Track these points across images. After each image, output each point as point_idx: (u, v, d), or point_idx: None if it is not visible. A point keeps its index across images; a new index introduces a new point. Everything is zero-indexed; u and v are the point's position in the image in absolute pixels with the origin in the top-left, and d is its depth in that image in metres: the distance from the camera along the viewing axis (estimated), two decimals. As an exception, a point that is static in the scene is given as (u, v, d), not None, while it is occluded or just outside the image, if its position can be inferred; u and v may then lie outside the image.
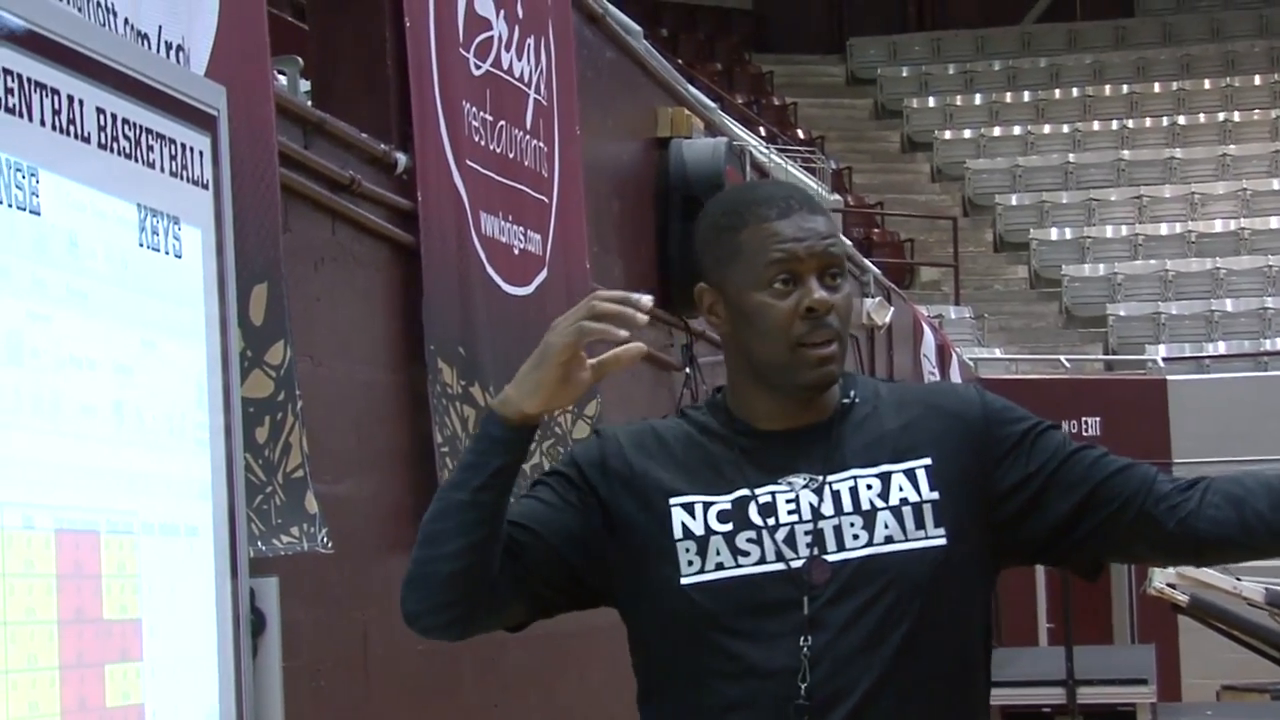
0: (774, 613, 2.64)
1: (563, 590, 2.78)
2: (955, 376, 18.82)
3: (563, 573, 2.76)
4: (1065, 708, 12.60)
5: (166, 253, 3.37)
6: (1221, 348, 23.63)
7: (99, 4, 3.63)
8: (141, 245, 3.29)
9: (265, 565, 4.14)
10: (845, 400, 2.78)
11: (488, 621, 2.77)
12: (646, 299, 2.62)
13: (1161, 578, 14.25)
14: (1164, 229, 26.18)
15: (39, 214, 2.95)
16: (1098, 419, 20.83)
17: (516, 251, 6.42)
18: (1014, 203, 27.01)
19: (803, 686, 2.62)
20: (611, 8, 8.26)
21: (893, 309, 15.66)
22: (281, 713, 3.83)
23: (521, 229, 6.47)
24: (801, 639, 2.63)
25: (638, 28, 8.80)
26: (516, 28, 6.49)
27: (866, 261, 16.02)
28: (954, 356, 19.05)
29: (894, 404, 2.79)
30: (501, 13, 6.36)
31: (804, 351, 2.69)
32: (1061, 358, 22.88)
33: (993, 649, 2.83)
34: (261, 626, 3.80)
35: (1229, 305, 24.51)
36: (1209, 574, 14.37)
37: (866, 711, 2.63)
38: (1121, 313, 24.49)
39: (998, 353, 23.54)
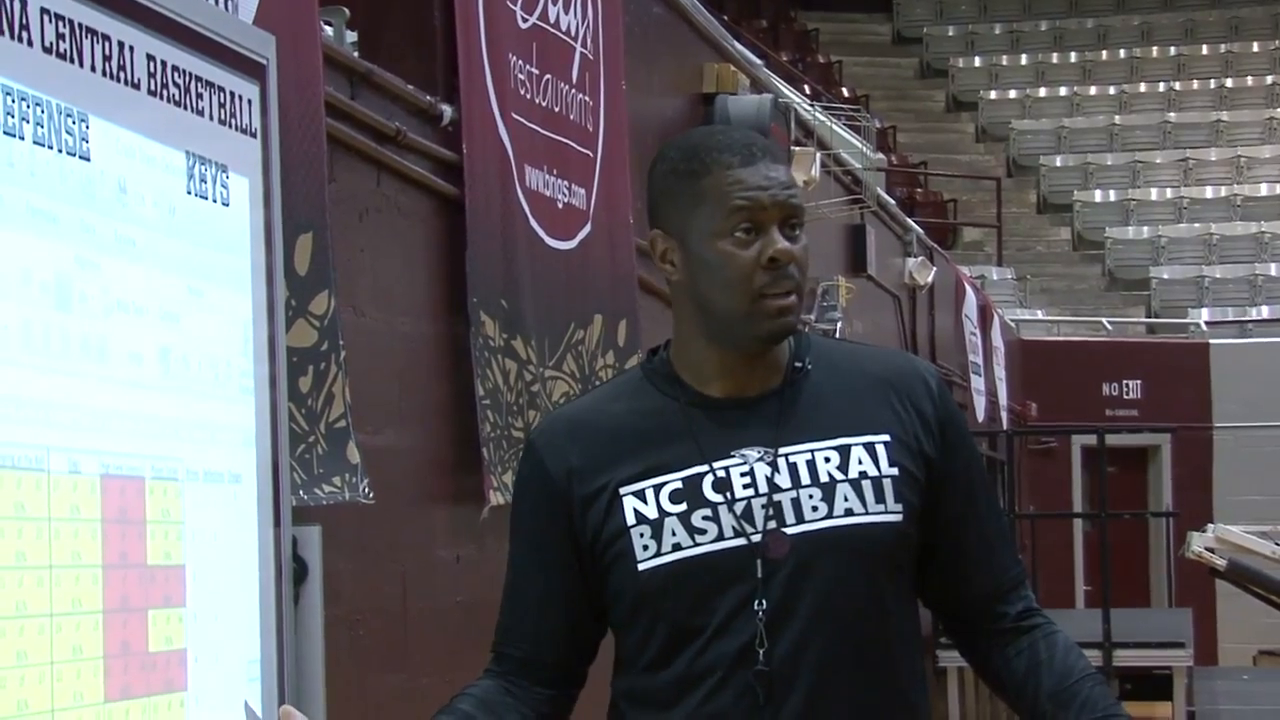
0: (733, 587, 2.62)
1: (595, 602, 2.77)
2: (997, 338, 18.78)
3: (587, 593, 2.75)
4: (1101, 670, 12.60)
5: (214, 201, 3.38)
6: (1264, 312, 23.52)
7: (149, -49, 3.63)
8: (189, 193, 3.29)
9: (307, 514, 4.15)
10: (797, 365, 2.72)
11: (586, 664, 2.83)
12: None
13: (1200, 541, 14.21)
14: (1209, 192, 26.05)
15: (88, 159, 2.96)
16: (1139, 382, 20.78)
17: (560, 205, 6.42)
18: (1058, 164, 26.89)
19: (760, 652, 2.61)
20: (659, -38, 8.25)
21: (935, 269, 15.63)
22: (322, 660, 3.85)
23: (566, 183, 6.46)
24: (759, 610, 2.61)
25: (684, -17, 8.79)
26: (564, -19, 6.48)
27: (909, 221, 15.98)
28: (996, 317, 19.00)
29: (851, 372, 2.74)
30: (549, -35, 6.35)
31: (765, 302, 2.62)
32: (1103, 320, 22.81)
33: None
34: (303, 575, 3.82)
35: (1273, 269, 24.38)
36: (1248, 539, 14.34)
37: (827, 680, 2.62)
38: (1165, 276, 24.39)
39: (1039, 314, 23.47)
